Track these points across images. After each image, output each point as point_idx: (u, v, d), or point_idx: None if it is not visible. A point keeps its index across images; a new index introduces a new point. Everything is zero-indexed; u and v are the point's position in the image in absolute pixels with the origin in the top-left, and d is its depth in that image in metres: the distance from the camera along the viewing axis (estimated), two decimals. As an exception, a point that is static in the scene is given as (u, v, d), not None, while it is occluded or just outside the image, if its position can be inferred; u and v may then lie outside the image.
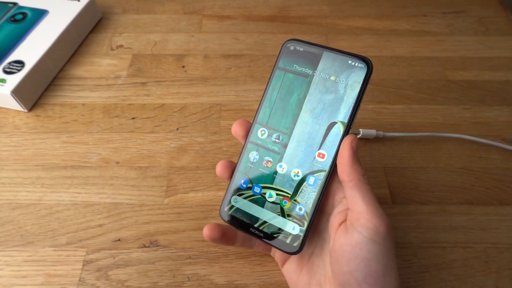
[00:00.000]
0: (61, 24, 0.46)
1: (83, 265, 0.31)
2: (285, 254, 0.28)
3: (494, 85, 0.44)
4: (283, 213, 0.26)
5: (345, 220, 0.24)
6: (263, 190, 0.27)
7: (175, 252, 0.32)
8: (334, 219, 0.25)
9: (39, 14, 0.47)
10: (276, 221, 0.26)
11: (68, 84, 0.45)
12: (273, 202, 0.26)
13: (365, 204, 0.22)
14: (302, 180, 0.26)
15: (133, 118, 0.41)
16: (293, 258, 0.28)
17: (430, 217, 0.34)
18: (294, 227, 0.26)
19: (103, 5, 0.54)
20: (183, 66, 0.47)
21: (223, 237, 0.27)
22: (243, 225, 0.27)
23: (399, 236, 0.33)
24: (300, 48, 0.27)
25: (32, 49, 0.43)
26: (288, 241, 0.26)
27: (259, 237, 0.26)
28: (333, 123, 0.25)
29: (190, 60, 0.47)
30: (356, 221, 0.23)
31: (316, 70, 0.26)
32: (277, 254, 0.30)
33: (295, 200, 0.26)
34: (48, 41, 0.44)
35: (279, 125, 0.27)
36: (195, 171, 0.37)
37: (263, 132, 0.27)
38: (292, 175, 0.26)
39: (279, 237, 0.26)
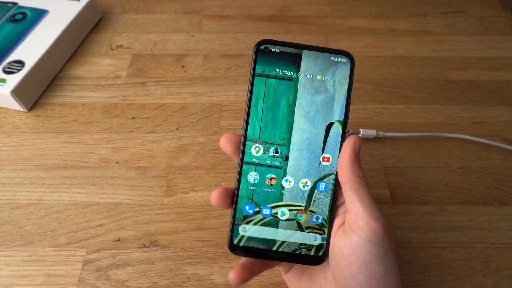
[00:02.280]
0: (61, 24, 0.46)
1: (83, 265, 0.31)
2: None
3: (494, 85, 0.44)
4: (300, 228, 0.25)
5: (343, 223, 0.24)
6: (274, 210, 0.25)
7: (175, 252, 0.32)
8: (333, 221, 0.25)
9: (39, 14, 0.47)
10: (296, 237, 0.25)
11: (68, 84, 0.45)
12: (287, 220, 0.25)
13: (362, 206, 0.22)
14: (313, 189, 0.25)
15: (133, 118, 0.41)
16: (295, 264, 0.27)
17: (430, 217, 0.34)
18: (315, 238, 0.25)
19: (103, 5, 0.54)
20: (183, 66, 0.47)
21: (250, 275, 0.24)
22: (260, 253, 0.25)
23: (399, 236, 0.33)
24: (276, 49, 0.25)
25: (32, 49, 0.43)
26: (312, 253, 0.25)
27: (281, 259, 0.25)
28: (331, 124, 0.25)
29: (190, 60, 0.47)
30: (354, 223, 0.22)
31: (299, 71, 0.25)
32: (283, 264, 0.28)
33: (310, 211, 0.25)
34: (48, 41, 0.44)
35: (273, 138, 0.25)
36: (195, 171, 0.37)
37: (257, 149, 0.25)
38: (301, 187, 0.25)
39: (302, 252, 0.25)
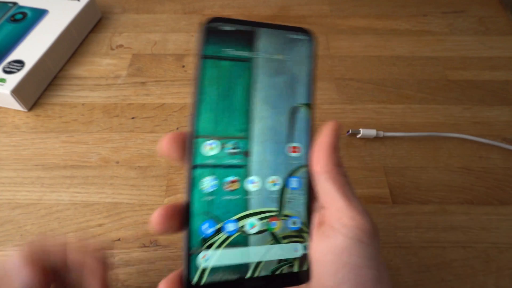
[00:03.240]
0: (61, 24, 0.46)
1: (83, 265, 0.31)
2: None
3: (495, 84, 0.44)
4: (276, 239, 0.20)
5: (320, 222, 0.20)
6: (240, 223, 0.19)
7: (175, 252, 0.32)
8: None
9: (39, 13, 0.47)
10: (273, 253, 0.20)
11: (68, 84, 0.44)
12: (258, 232, 0.19)
13: (345, 199, 0.18)
14: (284, 187, 0.20)
15: (133, 118, 0.41)
16: None
17: (431, 217, 0.34)
18: (296, 248, 0.20)
19: (103, 5, 0.54)
20: (183, 66, 0.47)
21: None
22: (230, 286, 0.19)
23: (399, 236, 0.33)
24: (228, 28, 0.20)
25: (32, 48, 0.43)
26: (296, 269, 0.20)
27: None
28: (296, 108, 0.21)
29: (190, 59, 0.47)
30: (336, 220, 0.18)
31: (256, 51, 0.21)
32: None
33: (284, 216, 0.20)
34: (48, 41, 0.44)
35: (231, 130, 0.20)
36: (195, 171, 0.37)
37: (211, 146, 0.19)
38: (269, 187, 0.20)
39: (284, 271, 0.19)
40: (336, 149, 0.20)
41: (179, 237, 0.33)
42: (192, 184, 0.19)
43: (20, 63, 0.42)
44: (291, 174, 0.20)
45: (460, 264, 0.31)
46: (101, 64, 0.47)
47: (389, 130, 0.40)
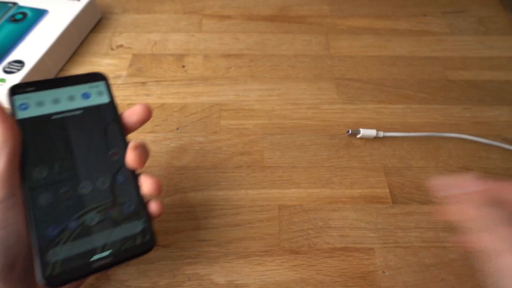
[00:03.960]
0: (61, 24, 0.46)
1: (83, 265, 0.31)
2: None
3: (495, 84, 0.44)
4: (116, 223, 0.24)
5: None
6: (80, 220, 0.24)
7: (175, 252, 0.32)
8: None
9: (39, 13, 0.47)
10: (115, 234, 0.24)
11: (68, 84, 0.44)
12: (99, 222, 0.24)
13: None
14: (113, 183, 0.25)
15: (133, 118, 0.41)
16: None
17: (430, 217, 0.34)
18: (135, 225, 0.24)
19: (103, 5, 0.54)
20: (183, 66, 0.47)
21: None
22: (83, 270, 0.22)
23: (399, 236, 0.33)
24: (31, 90, 0.26)
25: (32, 48, 0.43)
26: (139, 241, 0.24)
27: (110, 265, 0.23)
28: (107, 125, 0.26)
29: (190, 60, 0.47)
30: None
31: (59, 102, 0.26)
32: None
33: (119, 204, 0.25)
34: (48, 41, 0.44)
35: (56, 155, 0.25)
36: (195, 171, 0.37)
37: (40, 171, 0.24)
38: (100, 186, 0.25)
39: (127, 246, 0.24)
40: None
41: (179, 238, 0.33)
42: (31, 203, 0.23)
43: (20, 63, 0.42)
44: (116, 172, 0.26)
45: (460, 264, 0.32)
46: (101, 64, 0.47)
47: (389, 130, 0.40)
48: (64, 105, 0.26)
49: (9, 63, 0.42)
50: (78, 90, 0.27)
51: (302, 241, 0.33)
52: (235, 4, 0.55)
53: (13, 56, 0.42)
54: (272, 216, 0.34)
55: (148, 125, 0.41)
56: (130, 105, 0.42)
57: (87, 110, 0.27)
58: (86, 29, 0.50)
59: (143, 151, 0.26)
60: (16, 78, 0.40)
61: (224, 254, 0.32)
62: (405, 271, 0.31)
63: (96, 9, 0.51)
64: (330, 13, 0.53)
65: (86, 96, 0.27)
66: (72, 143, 0.25)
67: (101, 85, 0.28)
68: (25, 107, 0.25)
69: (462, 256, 0.32)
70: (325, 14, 0.53)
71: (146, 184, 0.25)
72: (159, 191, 0.25)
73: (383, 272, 0.31)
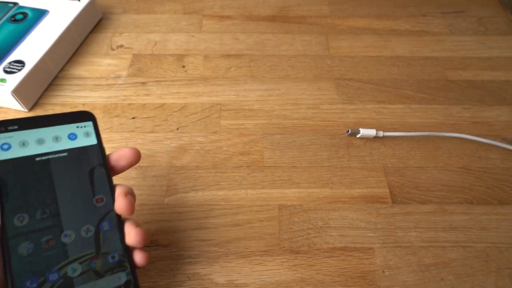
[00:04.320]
0: (61, 24, 0.46)
1: (84, 264, 0.31)
2: None
3: (494, 85, 0.44)
4: (99, 274, 0.23)
5: None
6: (62, 271, 0.22)
7: (175, 252, 0.32)
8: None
9: (40, 14, 0.47)
10: (98, 286, 0.23)
11: (69, 84, 0.45)
12: (82, 273, 0.23)
13: None
14: (97, 231, 0.24)
15: (133, 118, 0.41)
16: None
17: (430, 217, 0.34)
18: (119, 277, 0.24)
19: (103, 5, 0.54)
20: (183, 66, 0.47)
21: None
22: None
23: (399, 236, 0.33)
24: (14, 127, 0.24)
25: (33, 49, 0.43)
26: None
27: None
28: (93, 168, 0.25)
29: (190, 60, 0.47)
30: None
31: (43, 142, 0.25)
32: None
33: (103, 254, 0.24)
34: (49, 41, 0.44)
35: (38, 200, 0.23)
36: (195, 171, 0.37)
37: (21, 218, 0.23)
38: (84, 235, 0.24)
39: None
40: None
41: (179, 237, 0.33)
42: (10, 252, 0.22)
43: (20, 63, 0.42)
44: (101, 220, 0.24)
45: (459, 263, 0.32)
46: (102, 64, 0.47)
47: (388, 130, 0.40)
48: (49, 146, 0.25)
49: (10, 63, 0.42)
50: (64, 130, 0.25)
51: (302, 241, 0.33)
52: (235, 4, 0.55)
53: (14, 56, 0.42)
54: (272, 216, 0.34)
55: (148, 125, 0.41)
56: (130, 105, 0.42)
57: (73, 152, 0.25)
58: (87, 29, 0.50)
59: (132, 198, 0.25)
60: (16, 78, 0.40)
61: (224, 254, 0.32)
62: (404, 271, 0.31)
63: (97, 9, 0.51)
64: (330, 13, 0.54)
65: (72, 137, 0.26)
66: (55, 188, 0.24)
67: (88, 125, 0.26)
68: (7, 147, 0.23)
69: (462, 256, 0.32)
70: (325, 14, 0.53)
71: (130, 235, 0.24)
72: (143, 243, 0.24)
73: (383, 271, 0.31)
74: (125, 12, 0.54)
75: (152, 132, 0.40)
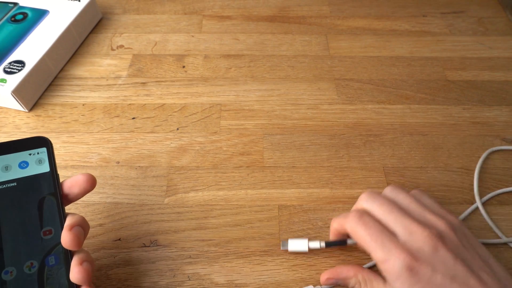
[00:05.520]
0: (61, 24, 0.46)
1: (84, 264, 0.31)
2: None
3: (494, 85, 0.45)
4: None
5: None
6: None
7: (175, 252, 0.32)
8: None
9: (40, 14, 0.47)
10: None
11: (69, 84, 0.45)
12: None
13: None
14: (42, 267, 0.22)
15: (133, 118, 0.41)
16: None
17: (430, 217, 0.34)
18: None
19: (103, 5, 0.54)
20: (183, 66, 0.47)
21: None
22: None
23: (398, 235, 0.33)
24: None
25: (33, 49, 0.43)
26: None
27: None
28: (44, 198, 0.24)
29: (190, 60, 0.47)
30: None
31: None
32: None
33: None
34: (49, 41, 0.44)
35: None
36: (195, 171, 0.37)
37: None
38: (27, 271, 0.22)
39: None
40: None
41: (179, 237, 0.33)
42: None
43: (20, 63, 0.42)
44: (47, 254, 0.23)
45: (459, 263, 0.32)
46: (102, 65, 0.47)
47: (388, 130, 0.40)
48: None
49: (10, 63, 0.42)
50: (15, 158, 0.24)
51: (302, 241, 0.33)
52: (235, 4, 0.55)
53: (14, 56, 0.42)
54: (272, 216, 0.34)
55: (148, 125, 0.41)
56: (131, 105, 0.43)
57: (22, 181, 0.24)
58: (87, 30, 0.50)
59: (80, 230, 0.23)
60: (16, 79, 0.40)
61: (224, 254, 0.32)
62: (404, 271, 0.31)
63: (97, 9, 0.51)
64: (329, 14, 0.54)
65: (23, 165, 0.24)
66: (0, 220, 0.23)
67: (42, 152, 0.25)
68: None
69: (462, 256, 0.32)
70: (324, 15, 0.53)
71: (72, 273, 0.22)
72: (88, 282, 0.22)
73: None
74: (125, 12, 0.54)
75: (152, 132, 0.40)
